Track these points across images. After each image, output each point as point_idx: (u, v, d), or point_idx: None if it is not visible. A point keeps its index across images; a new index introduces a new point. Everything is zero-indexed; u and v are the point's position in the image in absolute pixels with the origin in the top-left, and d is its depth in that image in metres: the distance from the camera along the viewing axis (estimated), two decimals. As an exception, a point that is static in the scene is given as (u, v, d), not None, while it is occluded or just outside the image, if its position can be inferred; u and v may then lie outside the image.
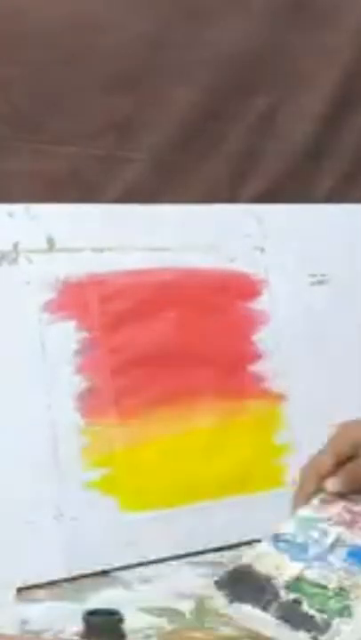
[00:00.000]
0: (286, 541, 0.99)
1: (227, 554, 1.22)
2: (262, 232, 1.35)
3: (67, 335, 1.20)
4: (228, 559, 1.21)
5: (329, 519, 1.01)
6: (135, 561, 1.19)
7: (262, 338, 1.32)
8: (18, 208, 1.21)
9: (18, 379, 1.16)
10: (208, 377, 1.27)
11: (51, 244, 1.21)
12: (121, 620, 0.92)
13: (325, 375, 1.35)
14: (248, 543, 1.23)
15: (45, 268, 1.20)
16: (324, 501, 1.04)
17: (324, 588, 0.94)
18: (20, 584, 1.05)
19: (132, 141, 1.49)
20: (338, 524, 1.01)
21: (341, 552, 0.98)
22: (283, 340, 1.33)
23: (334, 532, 1.00)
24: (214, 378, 1.28)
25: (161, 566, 1.18)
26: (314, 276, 1.38)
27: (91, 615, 0.92)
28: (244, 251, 1.34)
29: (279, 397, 1.31)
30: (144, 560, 1.19)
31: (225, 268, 1.32)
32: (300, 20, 1.54)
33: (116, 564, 1.17)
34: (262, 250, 1.35)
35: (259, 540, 1.21)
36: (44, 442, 1.16)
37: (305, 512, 1.02)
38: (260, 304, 1.33)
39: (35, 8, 1.41)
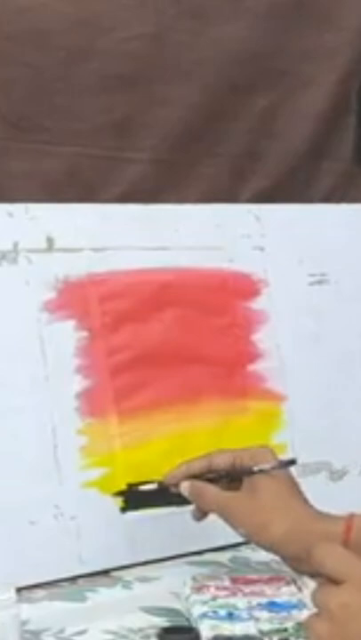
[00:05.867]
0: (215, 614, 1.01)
1: (227, 554, 1.22)
2: (262, 232, 1.35)
3: (66, 335, 1.20)
4: (228, 559, 1.21)
5: (215, 598, 1.04)
6: (135, 561, 1.19)
7: (262, 338, 1.32)
8: (18, 208, 1.21)
9: (17, 378, 1.16)
10: (207, 377, 1.27)
11: (50, 244, 1.21)
12: (198, 637, 0.94)
13: (325, 375, 1.35)
14: (248, 543, 1.23)
15: (45, 268, 1.20)
16: (196, 590, 1.06)
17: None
18: (19, 584, 1.05)
19: (132, 141, 1.49)
20: (228, 596, 1.04)
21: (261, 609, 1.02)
22: (282, 339, 1.33)
23: (236, 600, 1.04)
24: (214, 378, 1.28)
25: (161, 566, 1.18)
26: (313, 275, 1.37)
27: (167, 632, 0.94)
28: (244, 250, 1.34)
29: (279, 397, 1.31)
30: (144, 560, 1.19)
31: (225, 268, 1.32)
32: (300, 21, 1.54)
33: (116, 564, 1.17)
34: (262, 250, 1.35)
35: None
36: (43, 441, 1.16)
37: (201, 608, 1.03)
38: (260, 304, 1.33)
39: (35, 8, 1.41)
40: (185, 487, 1.11)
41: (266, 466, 1.08)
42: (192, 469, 1.11)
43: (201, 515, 1.12)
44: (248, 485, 1.08)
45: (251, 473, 1.08)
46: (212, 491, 1.10)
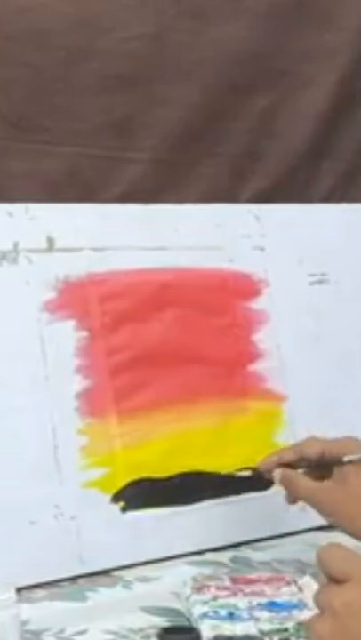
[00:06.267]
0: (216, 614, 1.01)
1: (227, 554, 1.22)
2: (262, 232, 1.35)
3: (66, 335, 1.20)
4: (229, 559, 1.21)
5: (215, 598, 1.04)
6: (135, 560, 1.19)
7: (262, 338, 1.32)
8: (18, 208, 1.21)
9: (17, 378, 1.16)
10: (208, 377, 1.27)
11: (50, 244, 1.21)
12: (198, 637, 0.94)
13: (325, 375, 1.35)
14: (248, 543, 1.23)
15: (45, 268, 1.20)
16: (196, 590, 1.06)
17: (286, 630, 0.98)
18: (19, 584, 1.05)
19: (132, 141, 1.49)
20: (228, 596, 1.05)
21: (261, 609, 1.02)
22: (283, 339, 1.33)
23: (236, 600, 1.04)
24: (214, 378, 1.28)
25: (161, 566, 1.18)
26: (313, 275, 1.38)
27: (167, 632, 0.94)
28: (244, 250, 1.34)
29: (279, 397, 1.31)
30: (144, 560, 1.19)
31: (225, 268, 1.32)
32: (300, 21, 1.54)
33: (116, 564, 1.17)
34: (262, 249, 1.35)
35: (258, 540, 1.22)
36: (43, 441, 1.16)
37: (201, 608, 1.03)
38: (260, 304, 1.33)
39: (35, 8, 1.41)
40: (277, 475, 1.15)
41: (355, 457, 1.10)
42: (284, 458, 1.16)
43: (293, 500, 1.16)
44: (338, 475, 1.11)
45: (340, 463, 1.11)
46: (303, 480, 1.14)
